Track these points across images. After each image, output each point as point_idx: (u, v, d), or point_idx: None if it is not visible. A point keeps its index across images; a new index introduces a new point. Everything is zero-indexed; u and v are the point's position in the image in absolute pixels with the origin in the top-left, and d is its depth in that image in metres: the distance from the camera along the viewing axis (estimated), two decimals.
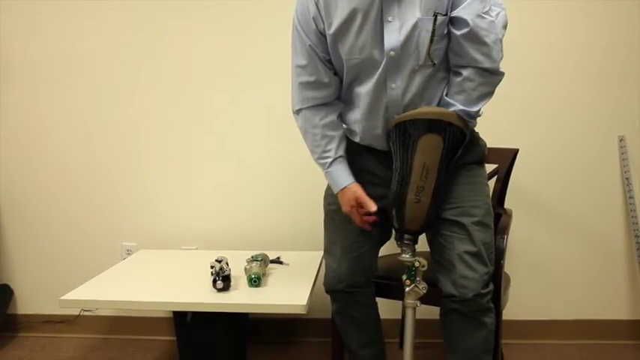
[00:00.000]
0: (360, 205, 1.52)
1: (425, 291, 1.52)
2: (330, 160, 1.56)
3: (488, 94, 1.47)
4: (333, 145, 1.56)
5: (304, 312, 1.61)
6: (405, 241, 1.50)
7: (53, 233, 2.40)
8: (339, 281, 1.62)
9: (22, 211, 2.40)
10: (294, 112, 1.61)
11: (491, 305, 1.52)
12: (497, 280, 1.62)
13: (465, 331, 1.53)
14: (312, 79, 1.53)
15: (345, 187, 1.53)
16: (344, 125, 1.61)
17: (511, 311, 2.29)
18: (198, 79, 2.29)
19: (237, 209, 2.33)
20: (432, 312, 1.66)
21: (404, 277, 1.51)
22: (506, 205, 1.94)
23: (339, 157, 1.56)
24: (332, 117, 1.57)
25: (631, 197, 2.21)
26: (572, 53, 2.18)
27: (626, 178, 2.21)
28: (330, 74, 1.54)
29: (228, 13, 2.25)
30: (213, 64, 2.28)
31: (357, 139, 1.59)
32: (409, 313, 1.53)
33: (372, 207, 1.49)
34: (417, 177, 1.44)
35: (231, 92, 2.29)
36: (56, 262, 2.41)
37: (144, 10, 2.27)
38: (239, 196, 2.33)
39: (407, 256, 1.50)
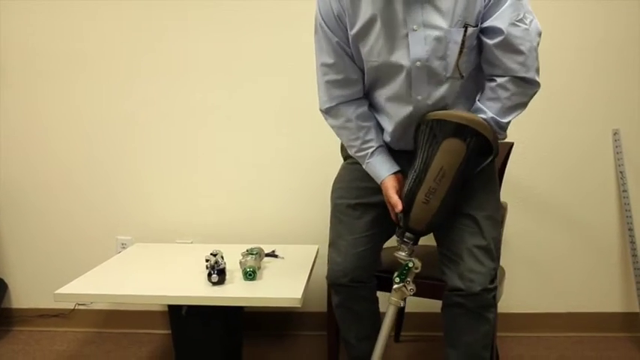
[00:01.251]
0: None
1: (412, 293, 1.51)
2: (371, 149, 1.54)
3: (522, 105, 1.45)
4: (372, 135, 1.54)
5: (299, 305, 1.61)
6: (405, 239, 1.49)
7: (48, 227, 2.39)
8: (343, 275, 1.61)
9: (17, 206, 2.39)
10: (322, 112, 1.58)
11: (495, 301, 1.52)
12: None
13: (469, 325, 1.51)
14: (339, 77, 1.51)
15: (382, 181, 1.52)
16: None
17: (505, 304, 2.30)
18: (193, 75, 2.28)
19: (233, 203, 2.33)
20: (431, 305, 1.66)
21: (395, 274, 1.51)
22: (501, 199, 1.94)
23: (380, 146, 1.55)
24: (364, 108, 1.55)
25: (625, 191, 2.22)
26: (567, 48, 2.19)
27: (620, 172, 2.22)
28: (357, 70, 1.51)
29: (226, 11, 2.25)
30: (208, 60, 2.28)
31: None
32: (391, 310, 1.52)
33: (397, 208, 1.47)
34: (431, 178, 1.42)
35: (227, 88, 2.29)
36: (51, 256, 2.40)
37: (142, 7, 2.26)
38: (234, 190, 2.33)
39: (403, 254, 1.49)
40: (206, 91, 2.29)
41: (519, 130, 2.21)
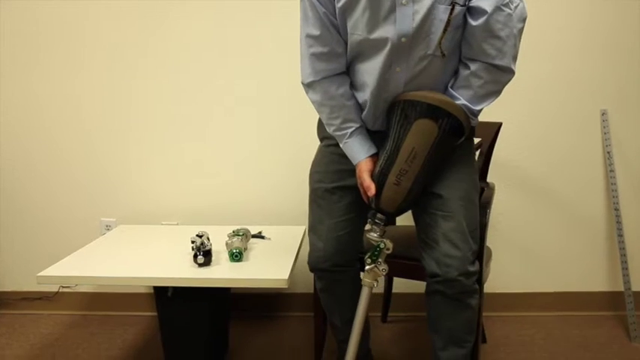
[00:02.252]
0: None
1: (385, 273, 1.50)
2: (351, 130, 1.51)
3: (495, 93, 1.44)
4: (353, 115, 1.51)
5: (286, 286, 1.61)
6: (377, 220, 1.48)
7: (31, 209, 2.37)
8: (324, 260, 1.60)
9: (0, 188, 2.36)
10: (304, 85, 1.53)
11: (477, 287, 1.51)
12: (479, 253, 1.62)
13: (449, 312, 1.52)
14: (325, 49, 1.46)
15: (357, 163, 1.50)
16: None
17: (492, 284, 2.33)
18: (178, 62, 2.25)
19: (219, 184, 2.31)
20: (417, 286, 1.67)
21: (367, 255, 1.50)
22: (488, 179, 1.94)
23: (360, 127, 1.52)
24: (346, 86, 1.51)
25: (612, 171, 2.22)
26: (555, 31, 2.18)
27: (608, 152, 2.22)
28: (342, 43, 1.47)
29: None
30: (194, 48, 2.24)
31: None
32: (365, 291, 1.52)
33: (370, 191, 1.45)
34: (402, 159, 1.41)
35: (212, 72, 2.26)
36: (34, 238, 2.38)
37: None
38: (220, 171, 2.31)
39: (374, 235, 1.48)
40: (191, 77, 2.26)
41: (508, 110, 2.22)
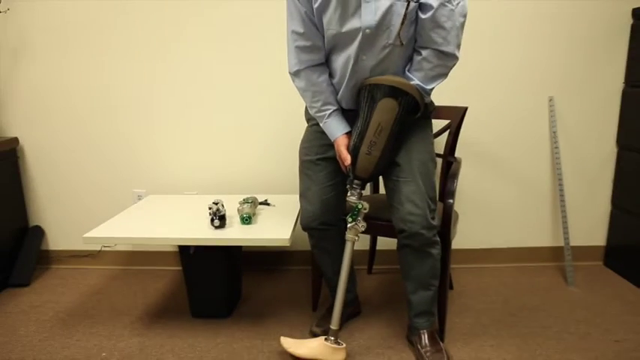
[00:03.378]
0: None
1: (364, 229, 1.54)
2: (329, 111, 1.52)
3: (443, 75, 1.45)
4: (331, 99, 1.52)
5: (288, 245, 1.62)
6: (354, 185, 1.51)
7: (76, 183, 2.36)
8: (313, 220, 1.63)
9: (49, 166, 2.35)
10: (291, 74, 1.54)
11: (437, 239, 1.54)
12: (448, 216, 1.62)
13: (416, 261, 1.55)
14: (308, 43, 1.46)
15: (335, 139, 1.53)
16: None
17: (459, 241, 2.34)
18: (200, 43, 2.19)
19: (232, 159, 2.29)
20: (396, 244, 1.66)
21: (348, 215, 1.53)
22: (456, 154, 1.92)
23: (337, 109, 1.54)
24: (325, 75, 1.52)
25: (556, 147, 2.21)
26: (511, 26, 2.14)
27: (554, 132, 2.21)
28: (321, 38, 1.47)
29: None
30: (214, 31, 2.18)
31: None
32: (348, 245, 1.56)
33: (346, 162, 1.49)
34: (371, 133, 1.44)
35: (229, 57, 2.20)
36: (79, 207, 2.38)
37: None
38: (233, 148, 2.29)
39: (353, 198, 1.51)
40: (209, 60, 2.20)
41: (472, 96, 2.20)
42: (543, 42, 2.15)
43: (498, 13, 2.13)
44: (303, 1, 1.42)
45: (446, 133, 1.91)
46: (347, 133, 1.52)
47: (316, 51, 1.48)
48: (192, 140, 2.29)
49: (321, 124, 1.56)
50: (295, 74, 1.52)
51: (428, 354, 1.55)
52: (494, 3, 2.12)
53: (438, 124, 2.00)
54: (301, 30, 1.44)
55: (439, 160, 2.10)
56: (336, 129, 1.52)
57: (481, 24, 2.13)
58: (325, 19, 1.40)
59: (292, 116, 2.22)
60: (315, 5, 1.39)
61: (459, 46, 1.40)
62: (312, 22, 1.44)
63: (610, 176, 2.27)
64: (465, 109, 1.85)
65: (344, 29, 1.39)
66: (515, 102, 2.21)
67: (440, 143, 2.01)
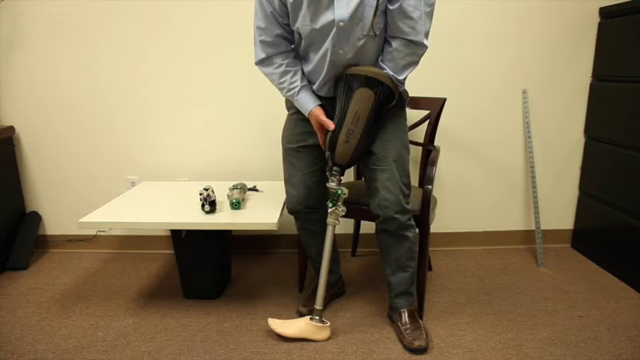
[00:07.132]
0: (321, 125, 1.50)
1: (344, 213, 1.54)
2: (297, 89, 1.50)
3: (413, 64, 1.43)
4: (297, 77, 1.50)
5: (276, 228, 1.61)
6: (334, 172, 1.51)
7: (72, 170, 2.33)
8: (298, 204, 1.63)
9: (44, 153, 2.31)
10: (257, 64, 1.52)
11: (412, 223, 1.55)
12: (426, 201, 1.63)
13: (393, 244, 1.56)
14: (269, 39, 1.46)
15: (311, 110, 1.50)
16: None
17: (437, 225, 2.36)
18: (190, 34, 2.16)
19: (221, 147, 2.28)
20: None
21: (328, 201, 1.53)
22: (435, 143, 1.93)
23: (304, 85, 1.51)
24: (290, 58, 1.51)
25: (529, 137, 2.23)
26: (488, 21, 2.15)
27: (527, 122, 2.22)
28: (286, 34, 1.47)
29: None
30: (205, 22, 2.15)
31: (314, 88, 1.54)
32: (329, 229, 1.56)
33: (331, 126, 1.47)
34: (349, 121, 1.43)
35: (216, 49, 2.18)
36: (74, 193, 2.35)
37: None
38: (222, 136, 2.27)
39: (333, 184, 1.51)
40: (199, 51, 2.18)
41: (451, 88, 2.20)
42: (518, 39, 2.16)
43: (477, 13, 2.13)
44: (272, 0, 1.40)
45: (426, 123, 1.91)
46: (320, 106, 1.50)
47: (279, 44, 1.48)
48: (184, 129, 2.27)
49: (294, 102, 1.54)
50: (260, 63, 1.51)
51: (408, 331, 1.57)
52: (475, 3, 2.11)
53: (418, 114, 2.00)
54: (263, 26, 1.44)
55: (419, 149, 2.10)
56: (309, 101, 1.50)
57: (462, 23, 2.13)
58: (300, 17, 1.38)
59: (279, 107, 2.21)
60: (290, 1, 1.37)
61: (427, 35, 1.38)
62: (277, 21, 1.43)
63: (578, 164, 2.30)
64: (444, 100, 1.86)
65: (318, 25, 1.37)
66: (491, 94, 2.22)
67: (420, 132, 2.01)
